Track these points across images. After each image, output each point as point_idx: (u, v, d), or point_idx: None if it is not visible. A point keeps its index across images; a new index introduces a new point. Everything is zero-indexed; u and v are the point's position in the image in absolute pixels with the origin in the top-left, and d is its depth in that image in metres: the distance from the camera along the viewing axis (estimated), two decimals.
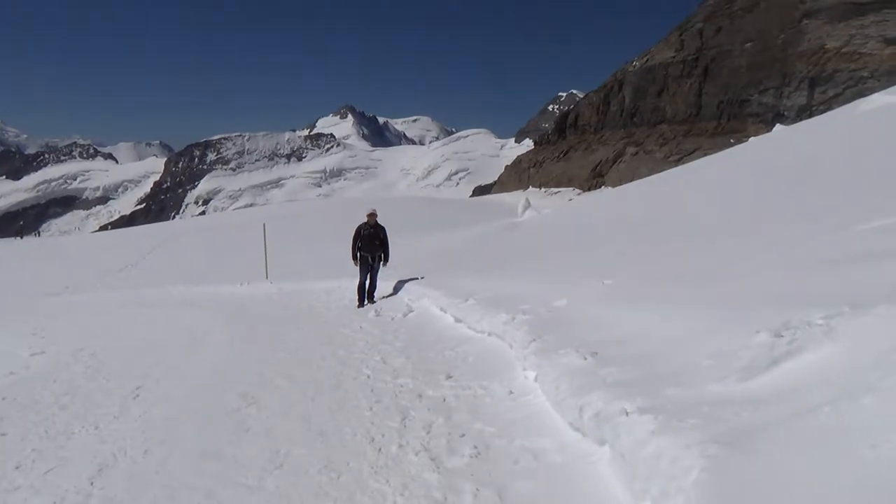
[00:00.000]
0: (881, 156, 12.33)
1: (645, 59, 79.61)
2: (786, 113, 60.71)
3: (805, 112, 56.99)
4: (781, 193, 12.58)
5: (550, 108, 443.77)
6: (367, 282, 12.15)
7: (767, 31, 66.48)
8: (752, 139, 27.69)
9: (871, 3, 58.48)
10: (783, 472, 2.55)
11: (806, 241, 7.51)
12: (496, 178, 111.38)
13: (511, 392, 5.46)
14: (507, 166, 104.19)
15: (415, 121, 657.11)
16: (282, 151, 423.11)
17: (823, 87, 61.35)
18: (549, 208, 32.60)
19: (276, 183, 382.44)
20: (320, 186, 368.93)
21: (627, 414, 3.64)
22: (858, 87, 53.95)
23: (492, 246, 19.56)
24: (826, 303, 4.01)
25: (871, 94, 24.64)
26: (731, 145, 34.06)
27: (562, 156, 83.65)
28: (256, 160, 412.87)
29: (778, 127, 27.86)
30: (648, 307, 5.81)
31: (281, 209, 59.25)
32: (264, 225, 19.05)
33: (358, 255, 12.26)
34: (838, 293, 4.16)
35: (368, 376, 6.77)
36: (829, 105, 51.42)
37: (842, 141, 16.16)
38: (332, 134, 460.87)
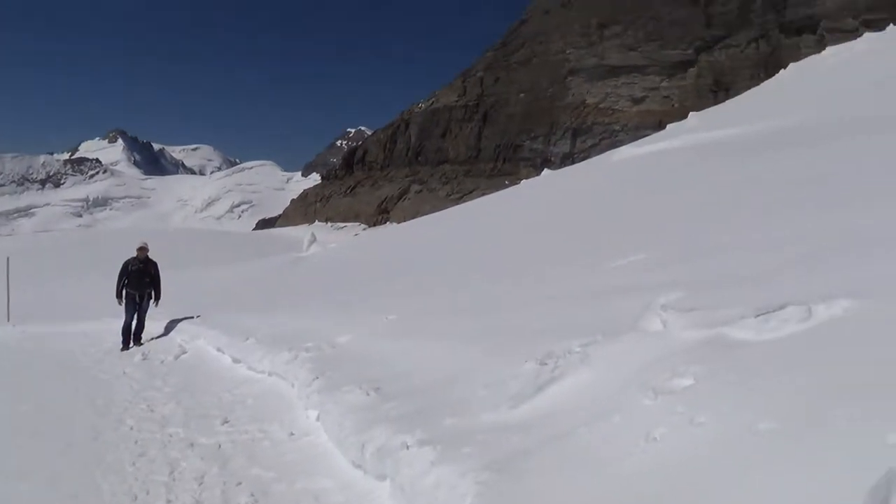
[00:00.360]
0: (628, 201, 14.06)
1: (431, 101, 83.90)
2: (552, 159, 67.35)
3: (568, 159, 63.70)
4: (548, 233, 13.79)
5: (339, 143, 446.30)
6: (134, 322, 11.14)
7: (538, 84, 73.74)
8: (523, 182, 30.19)
9: (622, 67, 67.75)
10: (546, 491, 2.73)
11: (568, 277, 8.25)
12: (281, 212, 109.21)
13: (292, 433, 5.27)
14: (293, 200, 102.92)
15: (195, 149, 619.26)
16: (35, 176, 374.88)
17: (584, 137, 69.41)
18: (335, 243, 32.60)
19: (26, 211, 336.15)
20: (81, 216, 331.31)
21: (408, 447, 3.67)
22: (612, 139, 61.74)
23: (275, 281, 19.01)
24: (583, 332, 4.41)
25: (621, 145, 28.26)
26: (506, 186, 36.82)
27: (349, 191, 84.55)
28: (1, 185, 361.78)
29: (546, 171, 30.65)
30: (430, 340, 5.98)
31: (29, 241, 52.50)
32: (8, 259, 16.63)
33: (124, 292, 11.22)
34: (594, 323, 4.60)
35: (132, 427, 6.11)
36: (587, 153, 58.08)
37: (597, 187, 18.22)
38: (97, 159, 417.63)
